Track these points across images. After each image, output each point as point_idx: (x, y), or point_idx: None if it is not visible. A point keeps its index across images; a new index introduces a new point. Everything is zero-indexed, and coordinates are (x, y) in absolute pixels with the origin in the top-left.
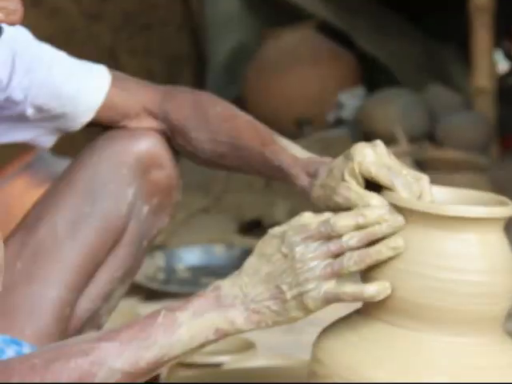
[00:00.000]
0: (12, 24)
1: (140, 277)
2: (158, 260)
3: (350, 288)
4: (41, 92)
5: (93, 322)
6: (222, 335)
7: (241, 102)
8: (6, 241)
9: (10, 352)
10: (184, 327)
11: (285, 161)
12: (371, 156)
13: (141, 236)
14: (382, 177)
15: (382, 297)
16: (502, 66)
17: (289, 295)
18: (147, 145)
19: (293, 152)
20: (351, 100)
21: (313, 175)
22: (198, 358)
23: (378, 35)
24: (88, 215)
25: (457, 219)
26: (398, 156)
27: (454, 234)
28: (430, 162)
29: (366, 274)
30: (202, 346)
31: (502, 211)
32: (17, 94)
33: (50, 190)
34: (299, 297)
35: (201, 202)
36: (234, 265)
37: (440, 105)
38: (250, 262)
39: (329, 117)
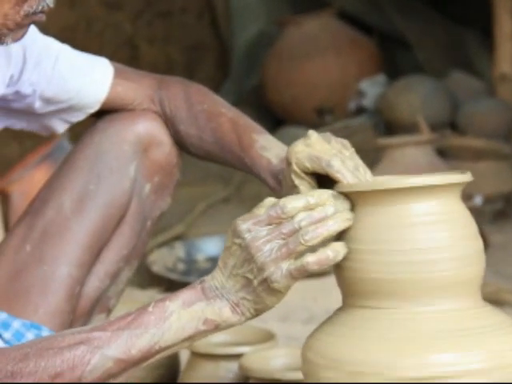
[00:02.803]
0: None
1: (160, 268)
2: (178, 251)
3: (312, 257)
4: (49, 85)
5: (101, 303)
6: (212, 326)
7: (261, 90)
8: (12, 229)
9: (30, 336)
10: (174, 316)
11: (259, 166)
12: (303, 151)
13: (144, 215)
14: (317, 168)
15: (343, 253)
16: None
17: (255, 282)
18: (146, 124)
19: (268, 156)
20: (372, 88)
21: (279, 182)
22: (219, 350)
23: (402, 21)
24: (93, 192)
25: (403, 190)
26: (420, 145)
27: (404, 205)
28: (452, 150)
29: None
30: (194, 336)
31: (440, 179)
32: (26, 88)
33: (55, 173)
34: (265, 282)
35: (221, 192)
36: None
37: (462, 92)
38: (221, 256)
39: (350, 105)
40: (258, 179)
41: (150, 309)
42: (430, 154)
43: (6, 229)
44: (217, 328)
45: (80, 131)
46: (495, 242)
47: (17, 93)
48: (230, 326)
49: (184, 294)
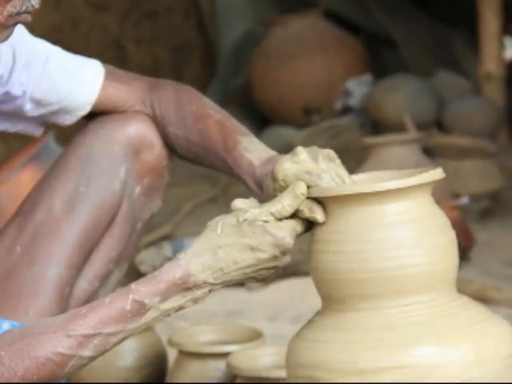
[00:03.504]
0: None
1: (147, 267)
2: (166, 250)
3: (285, 198)
4: (39, 86)
5: None
6: (182, 309)
7: (248, 90)
8: (3, 230)
9: None
10: (151, 311)
11: (241, 167)
12: (291, 168)
13: (134, 217)
14: (307, 182)
15: (304, 187)
16: (511, 51)
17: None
18: (137, 126)
19: (250, 158)
20: (359, 87)
21: (260, 185)
22: (206, 348)
23: (387, 21)
24: (84, 194)
25: (374, 194)
26: (407, 143)
27: (375, 207)
28: (438, 148)
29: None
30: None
31: (409, 181)
32: (16, 89)
33: (46, 174)
34: (259, 227)
35: (208, 192)
36: None
37: (448, 91)
38: (205, 247)
39: (337, 105)
40: (240, 181)
41: (128, 307)
42: (416, 153)
43: None
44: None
45: (68, 133)
46: (481, 240)
47: (6, 94)
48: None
49: (163, 290)
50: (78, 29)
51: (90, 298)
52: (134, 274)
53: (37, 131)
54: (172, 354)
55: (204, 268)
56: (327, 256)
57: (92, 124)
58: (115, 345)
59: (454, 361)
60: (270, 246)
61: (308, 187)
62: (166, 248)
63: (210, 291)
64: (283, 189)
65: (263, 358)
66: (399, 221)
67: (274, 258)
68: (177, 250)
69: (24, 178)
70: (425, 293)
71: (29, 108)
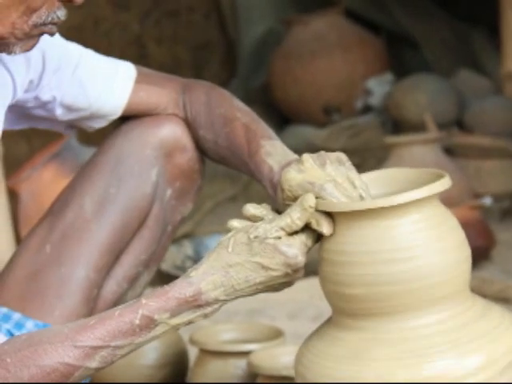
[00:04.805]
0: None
1: (168, 266)
2: (186, 249)
3: (294, 212)
4: (69, 92)
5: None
6: (191, 323)
7: (268, 89)
8: (34, 228)
9: None
10: (160, 326)
11: (261, 172)
12: (295, 178)
13: (165, 220)
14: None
15: (313, 199)
16: None
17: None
18: (170, 129)
19: (270, 163)
20: (379, 86)
21: (276, 191)
22: (227, 347)
23: (408, 20)
24: (114, 196)
25: (383, 209)
26: (428, 143)
27: (383, 221)
28: (459, 148)
29: (324, 276)
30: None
31: (417, 194)
32: (45, 94)
33: (77, 175)
34: (270, 246)
35: (228, 190)
36: None
37: (469, 90)
38: (217, 265)
39: (357, 104)
40: (261, 184)
41: (137, 322)
42: (437, 153)
43: (16, 227)
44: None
45: (90, 133)
46: (502, 240)
47: (37, 99)
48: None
49: (174, 307)
50: (99, 28)
51: (118, 299)
52: (155, 272)
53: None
54: (193, 353)
55: (215, 287)
56: (336, 268)
57: (124, 126)
58: (122, 356)
59: (470, 373)
60: (282, 264)
61: (316, 198)
62: (187, 246)
63: (221, 306)
64: (290, 199)
65: (284, 357)
66: (408, 232)
67: (286, 275)
68: (197, 249)
69: (46, 176)
70: (439, 304)
71: (60, 113)
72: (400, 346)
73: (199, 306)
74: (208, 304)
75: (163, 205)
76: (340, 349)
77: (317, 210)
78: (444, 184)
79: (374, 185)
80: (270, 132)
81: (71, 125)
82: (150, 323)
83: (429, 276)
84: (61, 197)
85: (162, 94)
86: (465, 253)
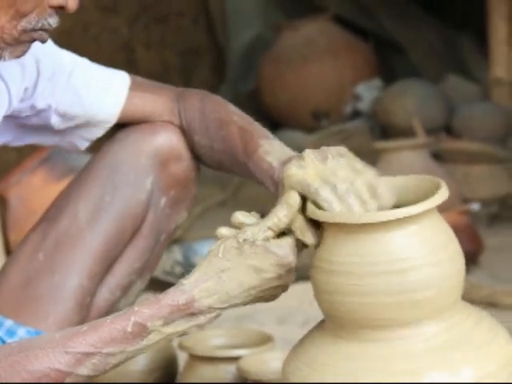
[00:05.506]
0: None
1: (157, 271)
2: (176, 254)
3: (280, 210)
4: (63, 99)
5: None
6: (185, 334)
7: (258, 94)
8: (28, 234)
9: None
10: (153, 334)
11: (261, 171)
12: (295, 175)
13: (159, 228)
14: (307, 194)
15: (296, 196)
16: None
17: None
18: (166, 137)
19: (270, 160)
20: (368, 92)
21: (278, 188)
22: (217, 352)
23: (394, 26)
24: (108, 204)
25: (379, 223)
26: (416, 148)
27: (378, 234)
28: (447, 153)
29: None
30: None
31: (416, 209)
32: (40, 102)
33: (72, 182)
34: (260, 247)
35: (217, 195)
36: None
37: (457, 96)
38: (209, 272)
39: (346, 109)
40: (262, 184)
41: (129, 329)
42: (425, 158)
43: (4, 232)
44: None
45: None
46: (491, 245)
47: (32, 107)
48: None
49: (167, 315)
50: (88, 32)
51: (111, 307)
52: None
53: (79, 145)
54: (182, 358)
55: (209, 294)
56: (329, 277)
57: (120, 133)
58: (115, 366)
59: None
60: (274, 265)
61: (304, 199)
62: (176, 252)
63: (216, 317)
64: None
65: (273, 362)
66: (404, 244)
67: (279, 277)
68: (186, 254)
69: (35, 181)
70: (433, 316)
71: (55, 121)
72: (391, 359)
73: (192, 315)
74: (201, 312)
75: (157, 213)
76: (328, 358)
77: (310, 219)
78: (443, 196)
79: None
80: (267, 132)
81: (68, 140)
82: (142, 331)
83: (424, 288)
84: (55, 204)
85: (157, 101)
86: (460, 264)
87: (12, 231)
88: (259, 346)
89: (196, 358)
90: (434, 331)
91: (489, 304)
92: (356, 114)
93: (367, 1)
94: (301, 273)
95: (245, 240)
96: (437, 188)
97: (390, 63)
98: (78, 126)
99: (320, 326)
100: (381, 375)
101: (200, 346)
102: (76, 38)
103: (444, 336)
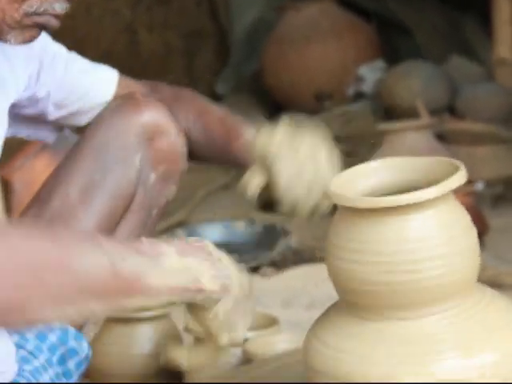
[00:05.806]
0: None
1: None
2: (179, 237)
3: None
4: (60, 88)
5: None
6: (198, 289)
7: (261, 76)
8: (21, 217)
9: (53, 337)
10: (166, 256)
11: (245, 152)
12: (263, 145)
13: (150, 203)
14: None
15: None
16: None
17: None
18: (151, 113)
19: (252, 140)
20: (371, 73)
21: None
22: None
23: (398, 6)
24: (99, 182)
25: (397, 207)
26: (420, 129)
27: (397, 218)
28: (451, 134)
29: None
30: (176, 292)
31: (436, 191)
32: (41, 91)
33: (61, 163)
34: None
35: (221, 178)
36: (254, 241)
37: (461, 76)
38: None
39: (349, 90)
40: (246, 167)
41: (145, 242)
42: (429, 139)
43: (9, 216)
44: (200, 292)
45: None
46: (495, 226)
47: (32, 96)
48: (210, 295)
49: (178, 245)
50: (90, 14)
51: None
52: None
53: (51, 137)
54: (188, 341)
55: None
56: (347, 264)
57: (106, 111)
58: (127, 278)
59: (482, 372)
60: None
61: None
62: (180, 235)
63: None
64: (260, 160)
65: (279, 344)
66: (421, 230)
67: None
68: (190, 237)
69: (38, 165)
70: (449, 301)
71: (50, 110)
72: (410, 344)
73: (207, 259)
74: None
75: (147, 189)
76: (350, 342)
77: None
78: (460, 179)
79: (382, 174)
80: (247, 120)
81: (58, 126)
82: (155, 247)
83: (443, 274)
84: (46, 185)
85: (142, 88)
86: (475, 247)
87: (16, 215)
88: (265, 329)
89: (202, 341)
90: (455, 312)
91: (493, 285)
92: (359, 96)
93: None
94: (304, 256)
95: None
96: (453, 171)
97: (393, 44)
98: (69, 114)
99: (337, 304)
100: (406, 358)
101: None
102: (79, 19)
103: (464, 315)
